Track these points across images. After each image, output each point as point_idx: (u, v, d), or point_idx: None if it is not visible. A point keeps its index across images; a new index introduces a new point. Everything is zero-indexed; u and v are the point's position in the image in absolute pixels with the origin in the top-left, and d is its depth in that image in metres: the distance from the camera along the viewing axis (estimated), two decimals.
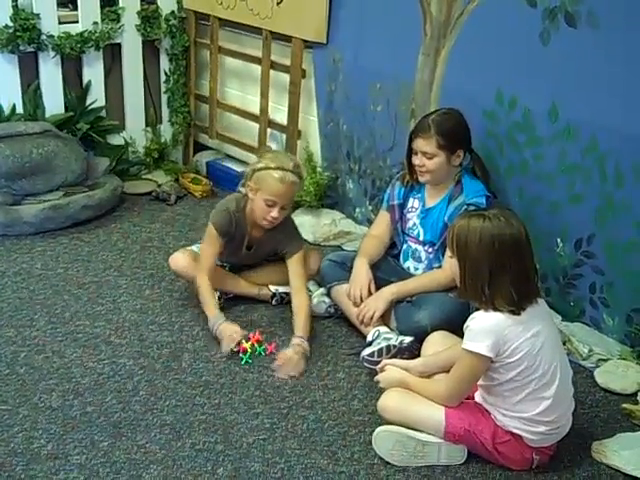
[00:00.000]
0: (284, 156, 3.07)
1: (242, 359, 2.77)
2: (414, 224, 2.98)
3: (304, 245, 3.15)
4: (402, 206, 3.01)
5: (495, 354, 2.16)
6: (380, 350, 2.69)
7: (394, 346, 2.69)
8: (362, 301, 2.85)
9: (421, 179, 2.89)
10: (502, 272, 2.16)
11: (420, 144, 2.81)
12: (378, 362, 2.59)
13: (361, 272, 2.91)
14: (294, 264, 3.02)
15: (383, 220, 3.08)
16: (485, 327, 2.17)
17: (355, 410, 2.56)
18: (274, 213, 2.90)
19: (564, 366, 2.25)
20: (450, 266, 2.30)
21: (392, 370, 2.48)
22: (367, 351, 2.72)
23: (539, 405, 2.19)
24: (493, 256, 2.16)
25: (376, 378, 2.52)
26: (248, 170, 2.99)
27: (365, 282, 2.88)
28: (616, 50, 2.60)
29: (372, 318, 2.82)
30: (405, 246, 3.05)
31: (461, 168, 2.90)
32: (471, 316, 2.23)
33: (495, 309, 2.17)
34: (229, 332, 2.81)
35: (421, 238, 2.97)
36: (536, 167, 2.94)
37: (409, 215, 3.01)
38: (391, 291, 2.87)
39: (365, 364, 2.72)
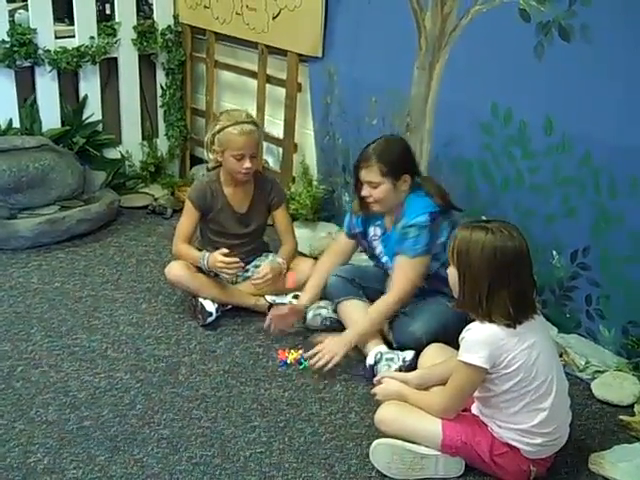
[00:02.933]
0: (235, 112, 3.18)
1: (302, 364, 2.82)
2: (380, 251, 2.97)
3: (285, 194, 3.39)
4: (364, 234, 2.99)
5: (491, 365, 2.16)
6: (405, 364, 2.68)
7: (402, 366, 2.68)
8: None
9: (372, 209, 2.86)
10: (501, 285, 2.16)
11: (364, 174, 2.77)
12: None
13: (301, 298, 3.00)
14: (281, 213, 3.24)
15: (339, 243, 3.12)
16: (480, 338, 2.17)
17: (352, 423, 2.55)
18: (246, 164, 3.02)
19: (560, 378, 2.26)
20: (449, 276, 2.31)
21: (389, 383, 2.48)
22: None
23: (536, 417, 2.19)
24: (494, 268, 2.16)
25: (373, 391, 2.52)
26: (208, 137, 3.11)
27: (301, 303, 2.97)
28: (610, 64, 2.62)
29: (327, 364, 2.70)
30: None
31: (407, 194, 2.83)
32: (467, 327, 2.23)
33: (491, 321, 2.17)
34: (216, 262, 2.99)
35: (390, 264, 2.91)
36: (531, 180, 2.95)
37: (374, 243, 2.98)
38: (350, 339, 2.76)
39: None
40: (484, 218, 2.87)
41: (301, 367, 2.81)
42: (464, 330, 2.23)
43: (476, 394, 2.29)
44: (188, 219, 3.16)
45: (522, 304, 2.19)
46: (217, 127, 3.05)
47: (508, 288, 2.16)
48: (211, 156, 3.14)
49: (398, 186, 2.79)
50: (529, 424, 2.19)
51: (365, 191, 2.81)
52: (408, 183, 2.80)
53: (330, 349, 2.72)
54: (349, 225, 3.03)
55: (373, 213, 2.91)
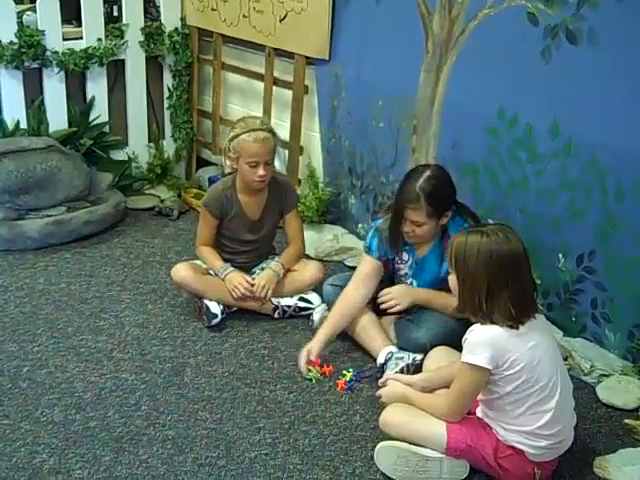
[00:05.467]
0: (250, 119, 3.16)
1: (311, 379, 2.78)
2: (406, 273, 2.93)
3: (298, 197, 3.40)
4: (393, 260, 2.94)
5: (494, 366, 2.17)
6: (402, 370, 2.68)
7: (411, 364, 2.69)
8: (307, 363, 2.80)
9: (408, 240, 2.81)
10: (500, 287, 2.17)
11: (410, 214, 2.70)
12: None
13: (314, 340, 2.84)
14: (293, 216, 3.24)
15: (370, 268, 2.90)
16: (483, 339, 2.18)
17: (357, 425, 2.55)
18: (260, 171, 3.01)
19: (564, 379, 2.26)
20: (450, 282, 2.31)
21: (394, 385, 2.48)
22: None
23: (540, 419, 2.19)
24: (491, 271, 2.17)
25: (378, 393, 2.52)
26: (225, 144, 3.10)
27: (308, 350, 2.80)
28: (617, 67, 2.62)
29: (390, 309, 2.82)
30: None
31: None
32: (469, 329, 2.24)
33: (493, 323, 2.18)
34: (235, 283, 3.04)
35: (414, 285, 2.92)
36: (537, 183, 2.95)
37: (399, 266, 2.94)
38: (422, 296, 2.84)
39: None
40: (490, 221, 2.88)
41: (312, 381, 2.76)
42: (467, 332, 2.23)
43: (480, 397, 2.29)
44: (206, 225, 3.17)
45: (523, 304, 2.19)
46: (232, 134, 3.05)
47: (507, 289, 2.17)
48: (227, 162, 3.13)
49: (440, 222, 2.75)
50: (534, 426, 2.19)
51: (408, 227, 2.73)
52: (448, 217, 2.76)
53: (396, 295, 2.83)
54: (379, 250, 2.88)
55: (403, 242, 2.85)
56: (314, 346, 2.80)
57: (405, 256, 2.91)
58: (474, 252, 2.19)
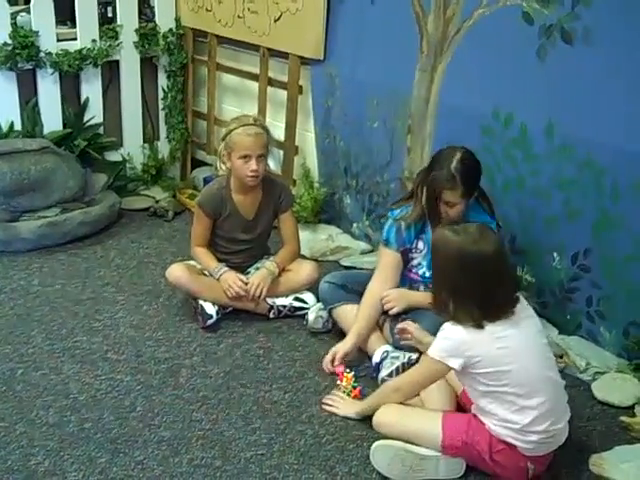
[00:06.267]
0: (242, 116, 3.20)
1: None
2: (419, 263, 2.93)
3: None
4: (409, 249, 2.94)
5: (460, 366, 2.20)
6: (397, 369, 2.68)
7: (406, 363, 2.69)
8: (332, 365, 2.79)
9: (440, 223, 2.75)
10: (465, 287, 2.20)
11: (448, 195, 2.68)
12: None
13: (345, 341, 2.83)
14: (288, 217, 3.23)
15: (391, 261, 2.90)
16: (451, 342, 2.22)
17: (353, 425, 2.55)
18: (252, 165, 3.01)
19: (549, 375, 2.25)
20: None
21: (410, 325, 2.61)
22: (384, 372, 2.70)
23: (527, 416, 2.19)
24: (457, 269, 2.20)
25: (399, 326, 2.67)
26: (220, 147, 3.11)
27: (343, 349, 2.79)
28: (612, 67, 2.62)
29: (389, 312, 2.84)
30: (403, 277, 2.98)
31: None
32: (441, 327, 2.27)
33: (457, 321, 2.21)
34: (229, 282, 3.04)
35: (427, 275, 2.90)
36: (533, 183, 2.95)
37: (413, 255, 2.94)
38: (417, 299, 2.84)
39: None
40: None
41: (345, 391, 2.70)
42: (440, 330, 2.27)
43: (469, 393, 2.32)
44: (200, 225, 3.17)
45: (489, 306, 2.20)
46: (224, 132, 3.07)
47: (473, 290, 2.19)
48: (222, 167, 3.12)
49: (468, 203, 2.75)
50: (520, 424, 2.20)
51: (441, 209, 2.71)
52: (472, 197, 2.76)
53: (394, 299, 2.83)
54: (398, 241, 2.88)
55: (425, 224, 2.86)
56: (342, 347, 2.79)
57: (421, 245, 2.92)
58: (444, 249, 2.24)
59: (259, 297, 3.08)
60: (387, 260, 2.92)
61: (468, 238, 2.21)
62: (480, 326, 2.19)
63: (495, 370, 2.19)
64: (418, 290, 2.93)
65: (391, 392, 2.44)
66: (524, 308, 2.29)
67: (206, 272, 3.15)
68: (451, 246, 2.22)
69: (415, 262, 2.95)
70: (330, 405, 2.62)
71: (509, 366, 2.18)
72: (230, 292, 3.05)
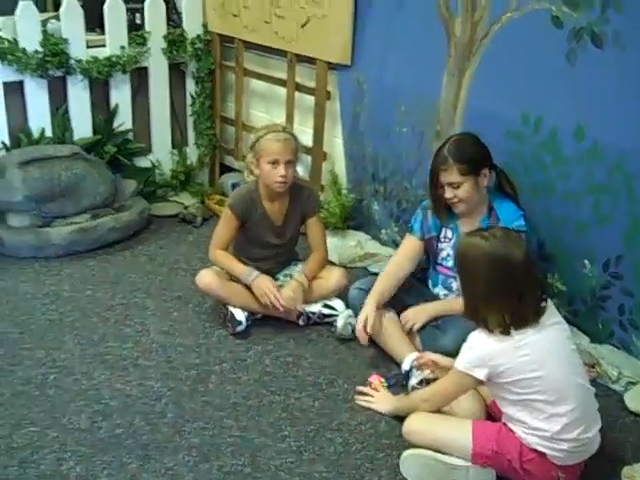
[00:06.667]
0: (270, 123, 3.23)
1: None
2: (448, 254, 2.94)
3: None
4: (437, 238, 2.97)
5: (486, 376, 2.20)
6: (427, 379, 2.68)
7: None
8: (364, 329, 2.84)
9: (456, 210, 2.85)
10: (493, 292, 2.19)
11: (444, 177, 2.77)
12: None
13: (368, 304, 2.90)
14: (315, 221, 3.22)
15: (411, 247, 2.99)
16: (478, 353, 2.22)
17: (382, 433, 2.55)
18: (281, 171, 3.00)
19: (579, 382, 2.23)
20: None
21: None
22: (414, 380, 2.70)
23: (556, 423, 2.17)
24: (485, 275, 2.19)
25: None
26: (248, 156, 3.12)
27: (370, 313, 2.86)
28: None
29: (411, 330, 2.87)
30: (435, 273, 3.03)
31: (488, 191, 2.87)
32: (468, 337, 2.27)
33: (487, 329, 2.21)
34: (264, 289, 3.03)
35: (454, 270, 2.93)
36: (562, 187, 2.93)
37: (442, 245, 2.96)
38: (435, 308, 2.89)
39: None
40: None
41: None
42: (467, 339, 2.27)
43: (498, 402, 2.31)
44: (226, 227, 3.14)
45: (518, 312, 2.19)
46: (252, 139, 3.07)
47: (501, 296, 2.18)
48: (251, 175, 3.12)
49: (480, 182, 2.79)
50: (550, 432, 2.18)
51: (449, 193, 2.79)
52: (488, 177, 2.81)
53: (410, 317, 2.88)
54: (422, 228, 2.97)
55: (449, 216, 2.91)
56: (369, 314, 2.84)
57: (449, 233, 2.93)
58: (472, 255, 2.23)
59: (292, 309, 3.08)
60: (406, 244, 3.02)
61: (498, 243, 2.20)
62: (507, 332, 2.18)
63: (521, 378, 2.17)
64: (452, 285, 2.94)
65: (421, 402, 2.44)
66: (551, 314, 2.27)
67: (234, 277, 3.15)
68: (479, 251, 2.21)
69: (444, 253, 2.96)
70: (365, 398, 2.66)
71: (535, 373, 2.16)
72: (264, 299, 3.04)
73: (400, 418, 2.51)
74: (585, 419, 2.22)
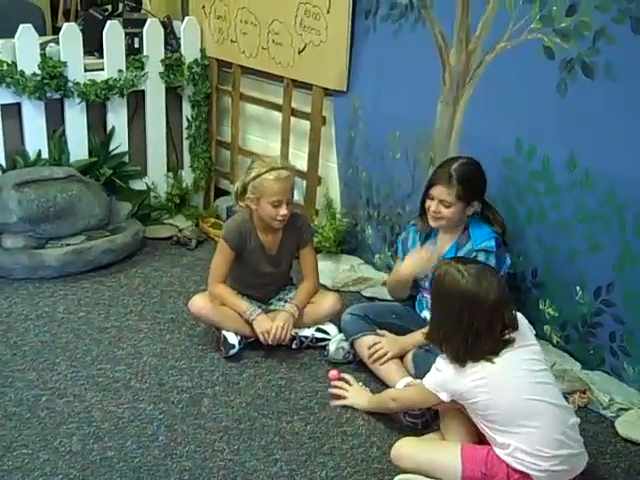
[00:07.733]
0: (268, 158, 3.18)
1: None
2: (426, 276, 2.94)
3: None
4: None
5: (449, 399, 2.31)
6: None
7: None
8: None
9: (433, 223, 2.89)
10: (457, 326, 2.25)
11: (439, 192, 2.81)
12: (421, 415, 2.65)
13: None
14: (308, 250, 3.22)
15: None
16: (443, 377, 2.32)
17: (374, 457, 2.55)
18: (282, 211, 3.00)
19: (543, 399, 2.23)
20: None
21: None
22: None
23: (522, 442, 2.20)
24: (453, 308, 2.26)
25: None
26: (238, 186, 3.08)
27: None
28: (633, 101, 2.62)
29: (381, 358, 2.89)
30: (419, 296, 3.06)
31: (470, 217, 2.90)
32: (438, 357, 2.35)
33: (445, 355, 2.31)
34: (265, 327, 3.03)
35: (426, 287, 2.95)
36: (554, 215, 2.95)
37: None
38: (412, 342, 2.90)
39: (407, 419, 2.68)
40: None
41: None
42: (436, 360, 2.36)
43: (477, 424, 2.34)
44: (223, 259, 3.13)
45: (474, 348, 2.25)
46: (252, 174, 3.00)
47: (460, 329, 2.24)
48: (242, 204, 3.10)
49: (467, 210, 2.85)
50: (525, 451, 2.20)
51: (434, 206, 2.83)
52: (474, 208, 2.87)
53: (386, 346, 2.90)
54: (404, 249, 3.07)
55: (432, 231, 2.97)
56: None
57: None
58: (446, 286, 2.30)
59: (283, 340, 3.06)
60: (396, 268, 3.07)
61: (467, 277, 2.25)
62: (462, 365, 2.26)
63: (478, 400, 2.24)
64: None
65: (390, 400, 2.61)
66: (520, 339, 2.30)
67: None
68: (453, 286, 2.27)
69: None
70: (339, 393, 2.77)
71: (487, 395, 2.23)
72: (264, 336, 3.03)
73: (393, 443, 2.51)
74: (556, 435, 2.22)
